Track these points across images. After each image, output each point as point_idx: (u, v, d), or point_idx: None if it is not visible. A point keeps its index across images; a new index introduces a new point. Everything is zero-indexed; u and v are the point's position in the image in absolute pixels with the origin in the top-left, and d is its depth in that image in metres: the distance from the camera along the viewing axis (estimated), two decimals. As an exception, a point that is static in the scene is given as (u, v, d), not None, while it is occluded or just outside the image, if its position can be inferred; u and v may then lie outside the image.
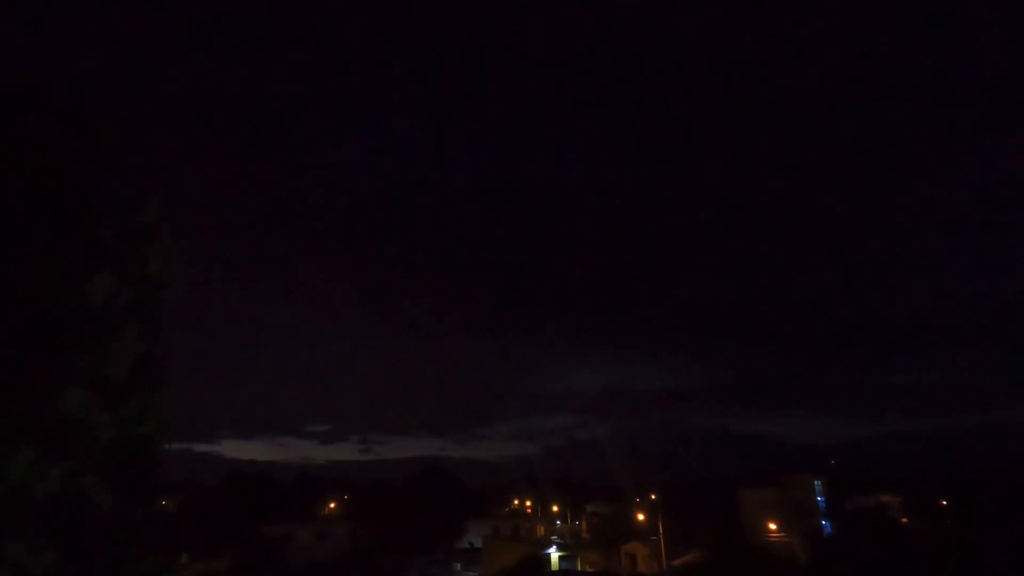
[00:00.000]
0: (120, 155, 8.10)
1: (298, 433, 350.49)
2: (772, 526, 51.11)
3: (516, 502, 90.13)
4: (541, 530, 73.24)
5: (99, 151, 7.80)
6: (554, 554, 56.05)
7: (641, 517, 58.31)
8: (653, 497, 61.69)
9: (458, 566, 59.89)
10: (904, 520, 51.06)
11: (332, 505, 76.90)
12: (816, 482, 54.45)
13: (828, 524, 50.31)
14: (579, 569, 54.74)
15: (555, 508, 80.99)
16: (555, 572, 52.57)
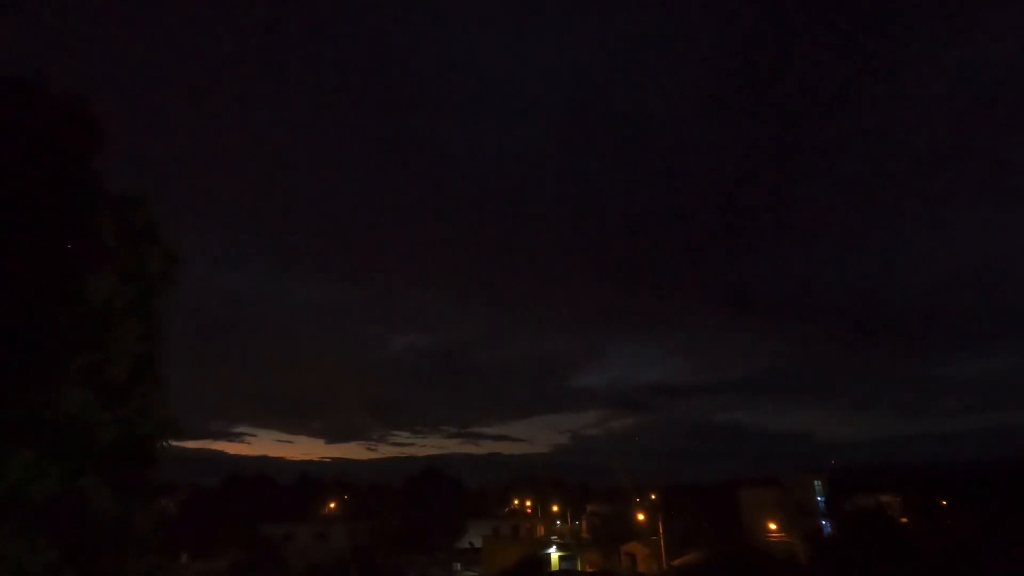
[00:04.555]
0: (119, 144, 8.07)
1: (306, 431, 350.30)
2: (772, 526, 51.18)
3: (516, 502, 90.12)
4: (541, 530, 73.21)
5: (98, 141, 7.76)
6: (554, 554, 56.06)
7: (641, 517, 58.28)
8: (653, 497, 61.69)
9: (458, 566, 59.87)
10: (904, 520, 50.99)
11: (332, 505, 76.86)
12: (816, 482, 54.54)
13: (828, 524, 50.31)
14: (579, 569, 54.74)
15: (555, 508, 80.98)
16: (555, 572, 52.57)
